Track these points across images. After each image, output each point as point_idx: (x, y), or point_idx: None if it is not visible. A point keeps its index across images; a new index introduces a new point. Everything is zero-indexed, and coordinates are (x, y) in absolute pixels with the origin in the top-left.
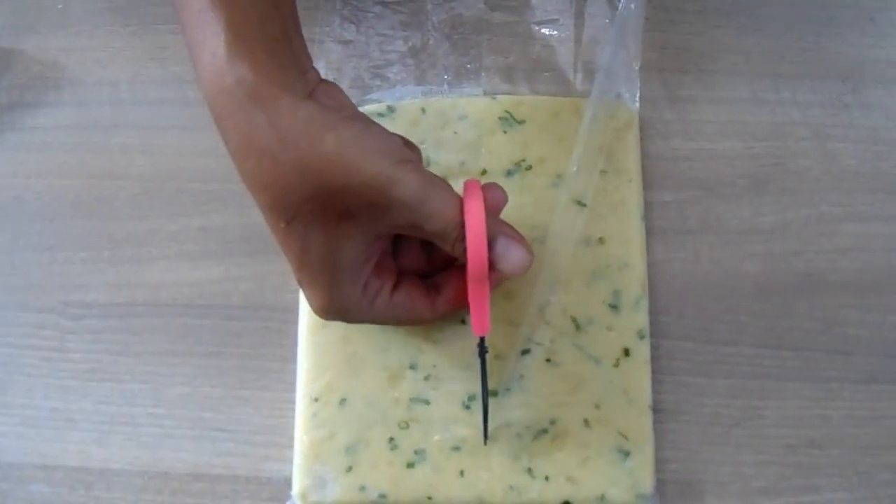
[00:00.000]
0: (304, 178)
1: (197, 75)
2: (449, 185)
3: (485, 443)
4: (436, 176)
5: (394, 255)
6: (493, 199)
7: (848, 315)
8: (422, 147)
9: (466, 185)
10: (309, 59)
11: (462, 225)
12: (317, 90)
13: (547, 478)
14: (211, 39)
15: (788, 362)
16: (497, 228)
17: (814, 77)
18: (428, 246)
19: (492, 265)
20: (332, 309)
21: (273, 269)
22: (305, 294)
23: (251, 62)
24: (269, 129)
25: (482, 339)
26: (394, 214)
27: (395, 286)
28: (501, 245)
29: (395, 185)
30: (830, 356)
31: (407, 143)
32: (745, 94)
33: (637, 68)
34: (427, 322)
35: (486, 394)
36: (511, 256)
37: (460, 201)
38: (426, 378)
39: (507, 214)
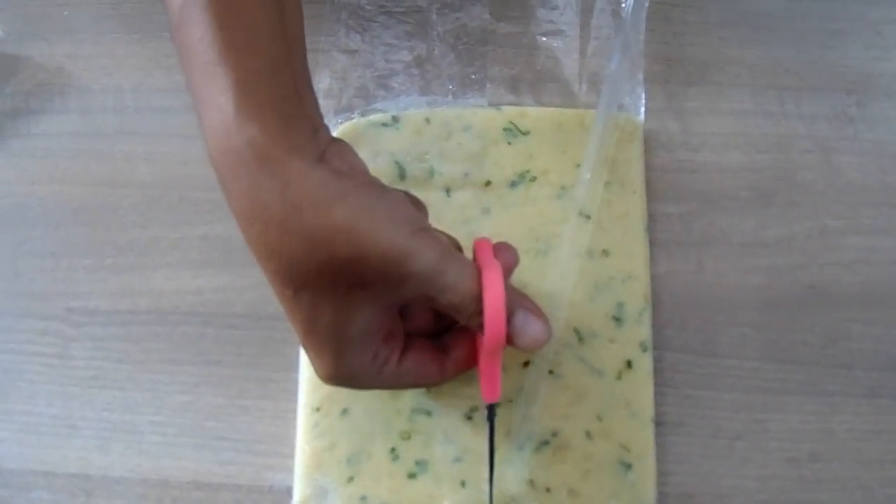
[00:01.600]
0: (314, 248)
1: (202, 132)
2: (464, 257)
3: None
4: (451, 246)
5: (402, 317)
6: (507, 263)
7: (851, 329)
8: (425, 158)
9: (478, 249)
10: (320, 115)
11: (480, 299)
12: (328, 151)
13: (548, 490)
14: (218, 95)
15: (791, 376)
16: (516, 302)
17: (818, 89)
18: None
19: (509, 339)
20: (339, 377)
21: None
22: (311, 360)
23: (260, 122)
24: (278, 196)
25: (491, 407)
26: (408, 286)
27: (404, 352)
28: (520, 320)
29: (411, 257)
30: (833, 370)
31: (415, 203)
32: (749, 106)
33: (641, 79)
34: (435, 384)
35: (492, 458)
36: (530, 331)
37: (477, 273)
38: (428, 389)
39: (511, 226)
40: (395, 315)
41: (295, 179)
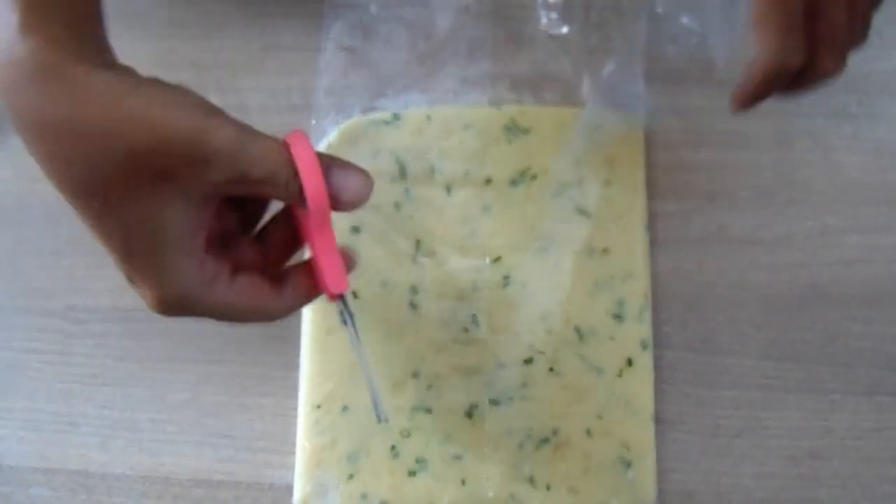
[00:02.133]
0: (108, 144)
1: None
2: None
3: (378, 421)
4: (251, 127)
5: (225, 252)
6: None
7: (851, 327)
8: (426, 156)
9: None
10: (109, 46)
11: (291, 162)
12: (115, 66)
13: (548, 487)
14: (2, 10)
15: (791, 374)
16: (328, 160)
17: (819, 88)
18: (261, 238)
19: (333, 201)
20: (169, 297)
21: None
22: (138, 290)
23: (46, 34)
24: (64, 99)
25: (343, 300)
26: (214, 168)
27: (236, 271)
28: (338, 175)
29: (209, 134)
30: (833, 368)
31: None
32: None
33: (641, 78)
34: (277, 317)
35: (365, 363)
36: (351, 183)
37: (284, 143)
38: (429, 387)
39: (511, 224)
40: (214, 216)
41: (81, 81)
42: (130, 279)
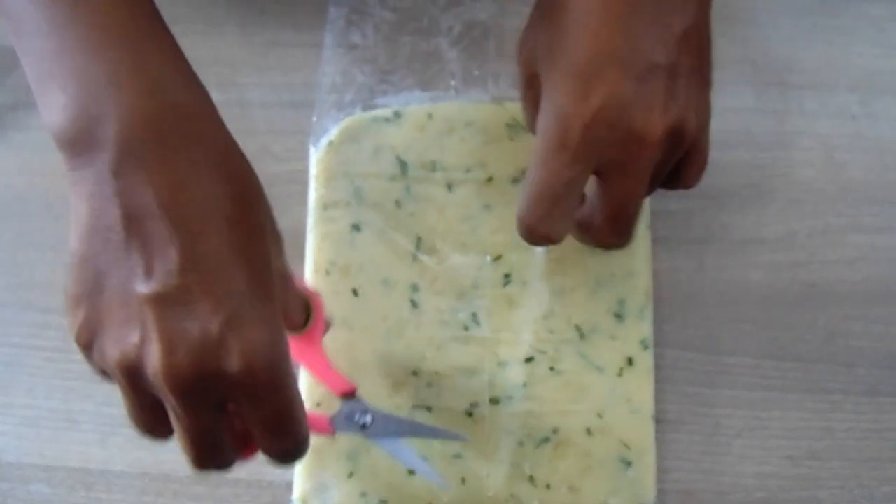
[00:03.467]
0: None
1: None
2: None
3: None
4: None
5: None
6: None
7: (852, 326)
8: (427, 153)
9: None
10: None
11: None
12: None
13: (548, 486)
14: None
15: (791, 373)
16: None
17: (821, 87)
18: None
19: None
20: (280, 344)
21: None
22: (236, 342)
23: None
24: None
25: (355, 398)
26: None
27: None
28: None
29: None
30: (834, 368)
31: None
32: (751, 103)
33: None
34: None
35: (409, 457)
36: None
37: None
38: (429, 385)
39: (512, 222)
40: None
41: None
42: (231, 324)
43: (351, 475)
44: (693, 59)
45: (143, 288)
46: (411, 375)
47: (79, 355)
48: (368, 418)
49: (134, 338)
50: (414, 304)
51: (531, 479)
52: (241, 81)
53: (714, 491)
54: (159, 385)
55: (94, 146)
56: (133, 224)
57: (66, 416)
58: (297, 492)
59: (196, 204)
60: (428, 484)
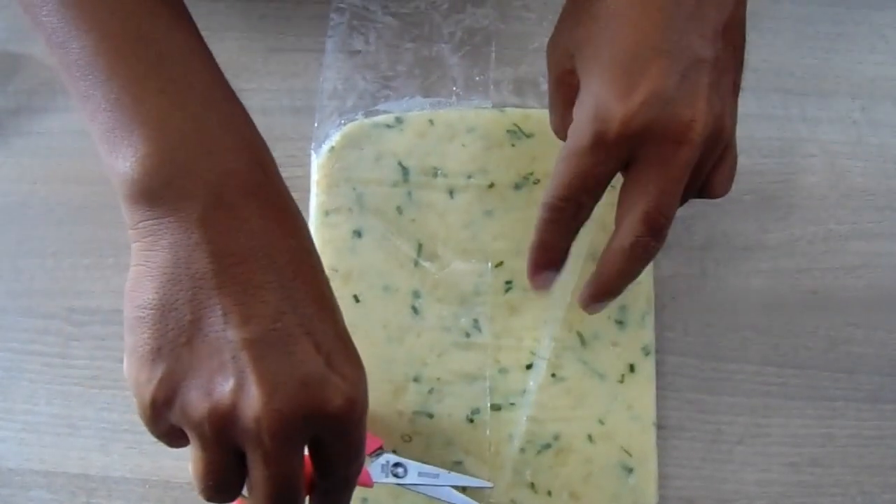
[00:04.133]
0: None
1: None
2: None
3: None
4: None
5: None
6: None
7: (854, 333)
8: (429, 159)
9: None
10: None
11: None
12: None
13: (550, 493)
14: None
15: (793, 380)
16: None
17: (823, 94)
18: None
19: None
20: (364, 387)
21: None
22: (333, 385)
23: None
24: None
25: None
26: None
27: None
28: None
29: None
30: (835, 374)
31: None
32: (753, 109)
33: None
34: None
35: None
36: None
37: None
38: (430, 391)
39: (514, 229)
40: None
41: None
42: (331, 363)
43: None
44: (730, 56)
45: (238, 334)
46: (412, 381)
47: (79, 360)
48: (401, 470)
49: (228, 385)
50: (415, 310)
51: (532, 485)
52: (241, 87)
53: (715, 498)
54: (256, 431)
55: (180, 196)
56: (225, 271)
57: (66, 421)
58: None
59: (289, 251)
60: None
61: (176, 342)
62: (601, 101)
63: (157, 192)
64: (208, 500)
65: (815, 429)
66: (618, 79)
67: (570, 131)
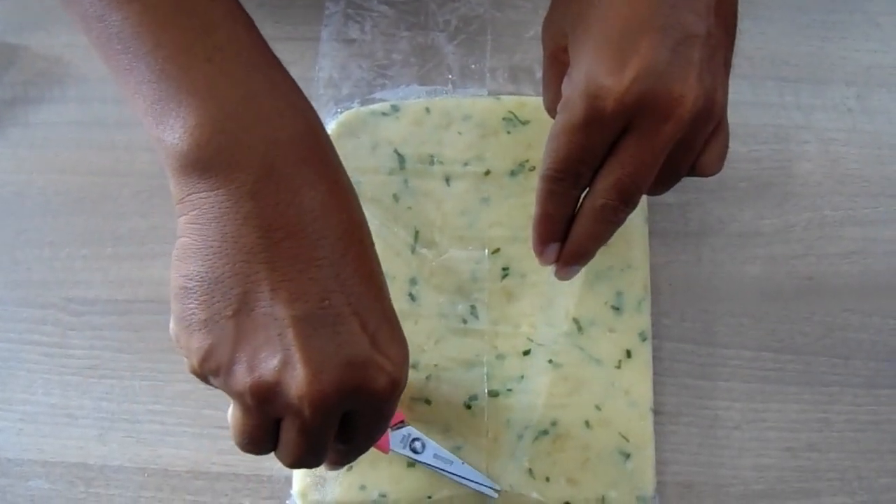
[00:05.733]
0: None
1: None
2: None
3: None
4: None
5: None
6: None
7: (849, 319)
8: (425, 147)
9: None
10: None
11: None
12: None
13: (547, 479)
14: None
15: (789, 366)
16: None
17: (818, 81)
18: None
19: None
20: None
21: None
22: (383, 359)
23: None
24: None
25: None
26: None
27: None
28: None
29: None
30: (831, 360)
31: None
32: (748, 97)
33: None
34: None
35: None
36: None
37: None
38: (427, 378)
39: (510, 215)
40: None
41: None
42: (377, 343)
43: (350, 468)
44: (722, 33)
45: (286, 311)
46: (410, 368)
47: (77, 350)
48: (419, 445)
49: (273, 362)
50: (412, 297)
51: (530, 471)
52: None
53: (713, 483)
54: (298, 407)
55: (231, 167)
56: (275, 245)
57: (64, 411)
58: (297, 486)
59: (340, 226)
60: (427, 476)
61: (222, 314)
62: (593, 76)
63: (208, 163)
64: (243, 450)
65: (811, 414)
66: (609, 55)
67: (561, 107)
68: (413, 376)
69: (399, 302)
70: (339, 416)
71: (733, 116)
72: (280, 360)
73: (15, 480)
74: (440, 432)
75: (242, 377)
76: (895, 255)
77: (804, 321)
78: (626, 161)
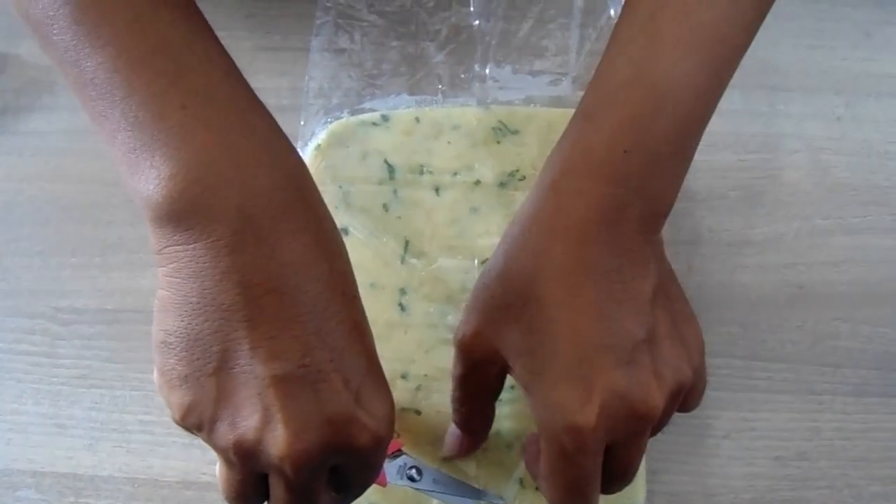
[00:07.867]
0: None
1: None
2: None
3: None
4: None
5: None
6: None
7: (840, 328)
8: (415, 156)
9: None
10: None
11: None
12: None
13: (538, 489)
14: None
15: (779, 374)
16: None
17: (807, 90)
18: None
19: None
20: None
21: None
22: (365, 417)
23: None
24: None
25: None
26: None
27: None
28: None
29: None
30: (821, 368)
31: None
32: (738, 105)
33: None
34: None
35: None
36: None
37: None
38: (417, 388)
39: (500, 225)
40: None
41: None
42: (360, 400)
43: None
44: (668, 312)
45: (266, 370)
46: (400, 379)
47: (66, 360)
48: (415, 472)
49: (253, 421)
50: (402, 307)
51: (521, 481)
52: None
53: (702, 492)
54: (279, 466)
55: (208, 220)
56: (254, 302)
57: (53, 421)
58: None
59: (322, 279)
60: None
61: (203, 371)
62: (566, 414)
63: (182, 216)
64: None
65: (801, 423)
66: (574, 390)
67: (543, 438)
68: (403, 386)
69: (389, 312)
70: (326, 471)
71: (723, 125)
72: (261, 419)
73: (4, 491)
74: (430, 443)
75: (225, 434)
76: (885, 263)
77: (794, 330)
78: (615, 464)
